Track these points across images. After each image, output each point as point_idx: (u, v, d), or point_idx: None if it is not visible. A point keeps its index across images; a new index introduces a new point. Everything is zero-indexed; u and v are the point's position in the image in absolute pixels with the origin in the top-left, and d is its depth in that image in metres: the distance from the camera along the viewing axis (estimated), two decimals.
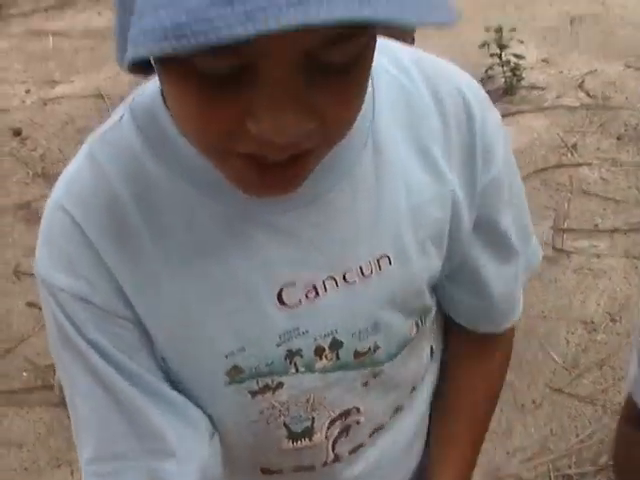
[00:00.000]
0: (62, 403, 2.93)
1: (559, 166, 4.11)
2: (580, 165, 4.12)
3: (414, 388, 1.20)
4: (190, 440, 1.02)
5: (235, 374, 1.03)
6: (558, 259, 3.57)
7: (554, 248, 3.62)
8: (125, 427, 1.00)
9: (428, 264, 1.10)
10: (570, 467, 2.83)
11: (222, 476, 1.10)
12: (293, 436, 1.09)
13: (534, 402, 3.04)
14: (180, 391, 1.05)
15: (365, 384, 1.10)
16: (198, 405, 1.06)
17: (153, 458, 1.00)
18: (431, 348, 1.23)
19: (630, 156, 4.16)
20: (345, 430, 1.12)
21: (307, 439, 1.10)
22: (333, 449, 1.13)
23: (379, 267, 1.04)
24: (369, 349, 1.07)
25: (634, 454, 1.24)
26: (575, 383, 3.07)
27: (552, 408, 3.01)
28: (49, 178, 4.06)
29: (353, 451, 1.16)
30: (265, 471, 1.15)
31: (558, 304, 3.37)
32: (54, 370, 3.03)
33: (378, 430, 1.17)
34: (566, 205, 3.86)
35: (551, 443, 2.91)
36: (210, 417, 1.07)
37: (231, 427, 1.08)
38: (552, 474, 2.81)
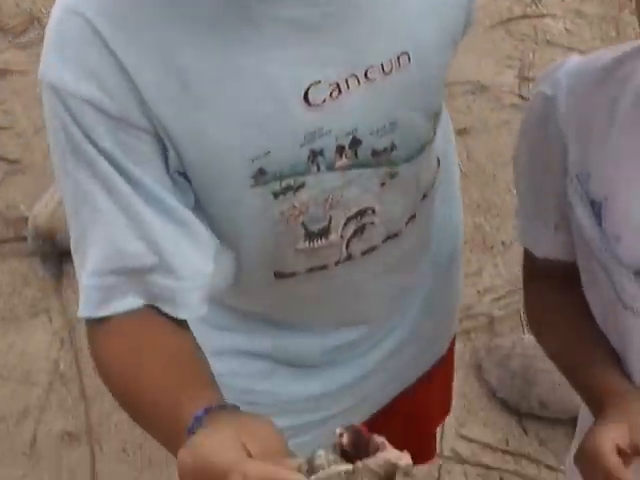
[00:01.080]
0: (36, 253, 2.95)
1: (524, 17, 4.08)
2: (544, 16, 4.10)
3: (425, 195, 1.23)
4: (194, 256, 1.03)
5: (260, 177, 1.04)
6: (524, 107, 3.59)
7: (520, 96, 3.64)
8: (130, 238, 1.00)
9: (444, 63, 1.13)
10: None
11: (231, 288, 1.13)
12: (310, 235, 1.12)
13: (503, 244, 3.10)
14: (201, 197, 1.06)
15: (382, 184, 1.13)
16: (220, 210, 1.07)
17: (153, 274, 1.01)
18: (437, 159, 1.27)
19: (594, 8, 4.15)
20: (360, 230, 1.15)
21: (323, 238, 1.13)
22: (347, 247, 1.16)
23: (399, 64, 1.06)
24: (385, 148, 1.10)
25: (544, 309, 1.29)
26: None
27: (521, 247, 3.07)
28: (6, 32, 3.96)
29: (366, 252, 1.19)
30: (279, 275, 1.17)
31: None
32: (26, 222, 3.03)
33: (393, 237, 1.21)
34: (531, 55, 3.85)
35: (521, 283, 2.97)
36: (230, 222, 1.08)
37: (251, 231, 1.10)
38: (522, 312, 2.89)
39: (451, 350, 1.62)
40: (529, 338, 2.66)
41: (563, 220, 1.17)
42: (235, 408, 0.85)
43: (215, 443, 0.72)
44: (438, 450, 2.54)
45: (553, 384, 2.54)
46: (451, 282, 1.50)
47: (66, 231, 1.06)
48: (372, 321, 1.34)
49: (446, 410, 1.77)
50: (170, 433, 0.87)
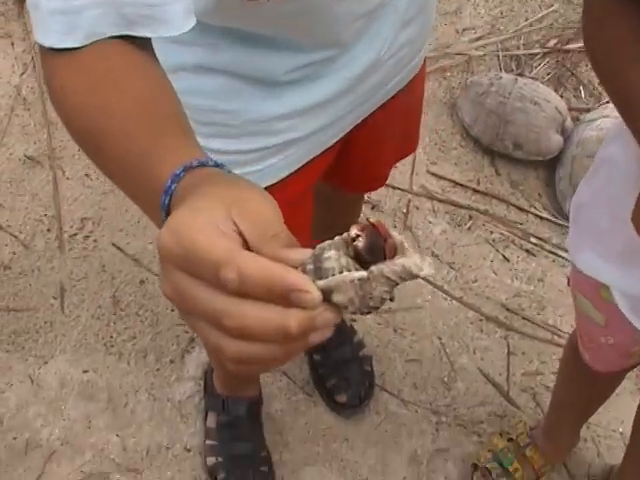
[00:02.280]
0: None
1: None
2: None
3: None
4: None
5: None
6: None
7: None
8: None
9: None
10: (519, 48, 2.70)
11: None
12: None
13: None
14: None
15: None
16: None
17: None
18: None
19: None
20: None
21: None
22: None
23: None
24: None
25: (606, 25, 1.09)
26: None
27: None
28: None
29: None
30: None
31: None
32: None
33: None
34: None
35: (501, 25, 2.76)
36: None
37: None
38: (500, 54, 2.68)
39: (423, 73, 1.46)
40: (507, 77, 2.47)
41: None
42: (219, 167, 0.68)
43: (203, 224, 0.56)
44: (407, 186, 2.41)
45: (529, 125, 2.37)
46: None
47: None
48: (347, 42, 1.17)
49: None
50: (144, 191, 0.71)
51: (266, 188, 1.20)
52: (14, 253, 2.28)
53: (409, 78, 1.37)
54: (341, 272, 0.56)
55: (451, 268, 2.27)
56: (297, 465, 2.00)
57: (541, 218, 2.38)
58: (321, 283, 0.56)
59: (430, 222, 2.35)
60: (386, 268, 0.56)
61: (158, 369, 2.12)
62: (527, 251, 2.32)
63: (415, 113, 1.56)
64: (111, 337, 2.16)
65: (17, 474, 1.95)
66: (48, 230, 2.33)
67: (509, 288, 2.26)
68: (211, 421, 1.99)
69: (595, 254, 1.31)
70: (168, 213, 0.64)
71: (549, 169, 2.46)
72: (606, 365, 1.56)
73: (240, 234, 0.57)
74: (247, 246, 0.57)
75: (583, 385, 1.73)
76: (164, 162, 0.67)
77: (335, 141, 1.32)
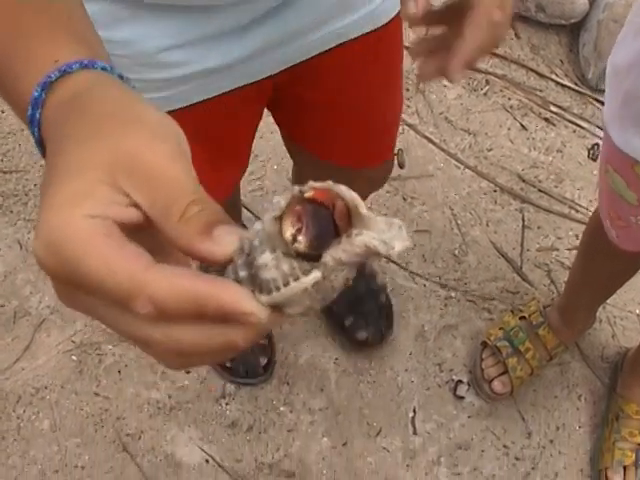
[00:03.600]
0: None
1: None
2: None
3: None
4: None
5: None
6: None
7: None
8: None
9: None
10: None
11: None
12: None
13: None
14: None
15: None
16: None
17: None
18: None
19: None
20: None
21: None
22: None
23: None
24: None
25: None
26: None
27: None
28: None
29: None
30: None
31: None
32: None
33: None
34: None
35: None
36: None
37: None
38: None
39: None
40: None
41: None
42: (106, 70, 0.48)
43: (84, 230, 0.39)
44: None
45: None
46: None
47: None
48: None
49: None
50: (16, 108, 0.50)
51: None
52: (2, 112, 2.07)
53: (364, 25, 1.07)
54: (286, 283, 0.41)
55: (465, 135, 2.06)
56: (298, 338, 1.84)
57: (562, 85, 2.15)
58: (266, 299, 0.41)
59: (445, 86, 2.12)
60: (343, 254, 0.40)
61: None
62: (546, 120, 2.10)
63: (388, 75, 1.23)
64: None
65: (5, 343, 1.79)
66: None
67: (526, 158, 2.05)
68: None
69: (635, 129, 1.10)
70: (39, 128, 0.47)
71: (572, 34, 2.22)
72: (634, 244, 1.38)
73: (136, 206, 0.41)
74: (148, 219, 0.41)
75: (605, 263, 1.55)
76: (29, 73, 0.49)
77: (270, 74, 1.03)
